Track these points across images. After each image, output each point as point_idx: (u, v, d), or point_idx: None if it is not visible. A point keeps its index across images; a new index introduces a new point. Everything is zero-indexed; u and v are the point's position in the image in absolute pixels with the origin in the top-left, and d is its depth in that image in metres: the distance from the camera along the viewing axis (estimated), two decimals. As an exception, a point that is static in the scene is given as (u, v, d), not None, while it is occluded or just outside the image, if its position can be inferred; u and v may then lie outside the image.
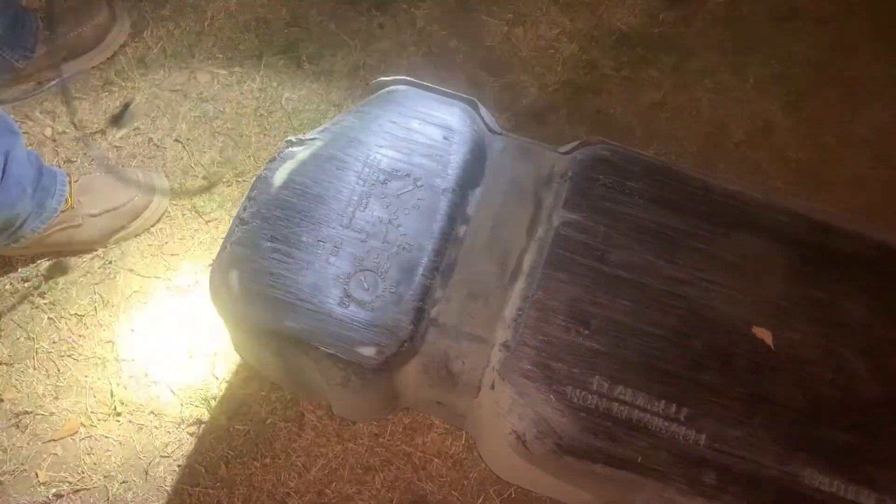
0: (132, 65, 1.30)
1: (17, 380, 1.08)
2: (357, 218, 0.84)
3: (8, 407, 1.06)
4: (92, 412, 1.06)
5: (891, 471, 0.74)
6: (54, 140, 1.24)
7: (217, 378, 1.08)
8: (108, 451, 1.04)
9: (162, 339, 1.11)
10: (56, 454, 1.04)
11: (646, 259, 0.82)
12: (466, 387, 0.81)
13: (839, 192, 1.24)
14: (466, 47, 1.35)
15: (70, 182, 1.10)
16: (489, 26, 1.37)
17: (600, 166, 0.87)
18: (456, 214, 0.85)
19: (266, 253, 0.81)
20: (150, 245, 1.17)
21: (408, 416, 1.06)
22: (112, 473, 1.03)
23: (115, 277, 1.14)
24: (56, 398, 1.07)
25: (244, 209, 0.84)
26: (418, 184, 0.86)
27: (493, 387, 0.79)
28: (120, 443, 1.05)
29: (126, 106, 1.01)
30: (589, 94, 1.31)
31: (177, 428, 1.05)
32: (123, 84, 1.28)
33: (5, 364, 1.09)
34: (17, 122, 1.23)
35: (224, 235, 0.85)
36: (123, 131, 1.10)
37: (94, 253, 1.15)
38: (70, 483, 1.03)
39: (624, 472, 0.74)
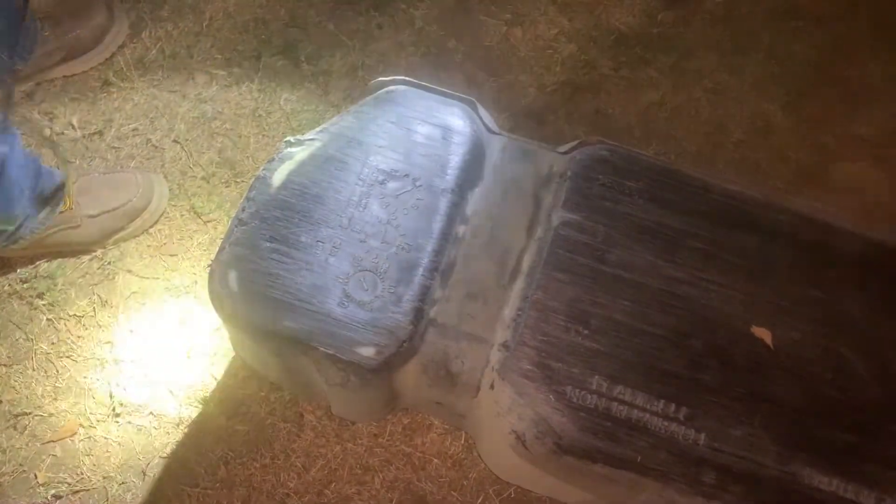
0: (130, 66, 1.30)
1: (15, 381, 1.08)
2: (356, 218, 0.84)
3: (7, 408, 1.06)
4: (91, 413, 1.06)
5: (890, 470, 0.74)
6: (53, 141, 1.24)
7: (216, 379, 1.08)
8: (107, 452, 1.04)
9: (161, 340, 1.10)
10: (55, 455, 1.04)
11: (645, 259, 0.82)
12: (466, 387, 0.81)
13: (838, 191, 1.24)
14: (465, 47, 1.35)
15: (68, 183, 1.10)
16: (488, 26, 1.37)
17: (599, 166, 0.87)
18: (455, 214, 0.85)
19: (265, 253, 0.81)
20: (148, 246, 1.17)
21: (407, 417, 1.06)
22: (111, 474, 1.03)
23: (113, 278, 1.14)
24: (55, 399, 1.07)
25: (243, 210, 0.84)
26: (417, 184, 0.86)
27: (492, 387, 0.79)
28: (119, 444, 1.05)
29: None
30: (588, 94, 1.31)
31: (176, 429, 1.05)
32: (122, 85, 1.28)
33: (4, 365, 1.09)
34: (15, 123, 1.23)
35: (223, 236, 0.85)
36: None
37: (93, 254, 1.15)
38: (69, 484, 1.02)
39: (623, 472, 0.74)
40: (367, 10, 1.37)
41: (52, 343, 1.10)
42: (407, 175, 0.86)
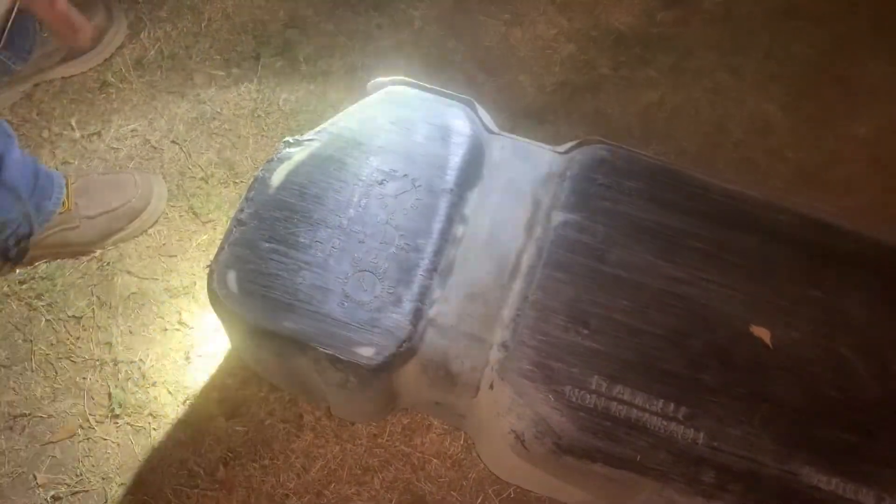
0: (129, 67, 1.30)
1: (14, 382, 1.08)
2: (355, 218, 0.84)
3: (5, 409, 1.06)
4: (90, 414, 1.06)
5: (890, 469, 0.74)
6: (51, 142, 1.23)
7: (215, 380, 1.08)
8: (106, 453, 1.04)
9: (160, 341, 1.10)
10: (54, 456, 1.04)
11: (644, 259, 0.82)
12: (465, 387, 0.81)
13: (838, 191, 1.24)
14: (464, 47, 1.35)
15: (67, 184, 1.10)
16: (487, 26, 1.37)
17: (598, 166, 0.87)
18: (454, 215, 0.85)
19: (264, 254, 0.81)
20: (147, 247, 1.17)
21: (406, 417, 1.06)
22: (110, 475, 1.03)
23: (112, 279, 1.14)
24: (54, 400, 1.07)
25: (242, 210, 0.84)
26: (416, 184, 0.86)
27: (491, 387, 0.79)
28: (118, 445, 1.04)
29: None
30: (587, 94, 1.31)
31: (175, 430, 1.05)
32: (120, 86, 1.28)
33: (3, 366, 1.08)
34: (13, 124, 1.23)
35: (222, 236, 0.85)
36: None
37: (92, 255, 1.15)
38: (68, 485, 1.02)
39: (623, 472, 0.74)
40: (366, 10, 1.37)
41: (51, 344, 1.10)
42: (406, 175, 0.86)
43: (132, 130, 1.25)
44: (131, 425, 1.06)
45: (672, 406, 0.75)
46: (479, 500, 1.02)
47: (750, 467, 0.73)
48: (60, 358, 1.09)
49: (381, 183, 0.86)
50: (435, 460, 1.04)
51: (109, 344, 1.10)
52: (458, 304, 0.82)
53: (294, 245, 0.82)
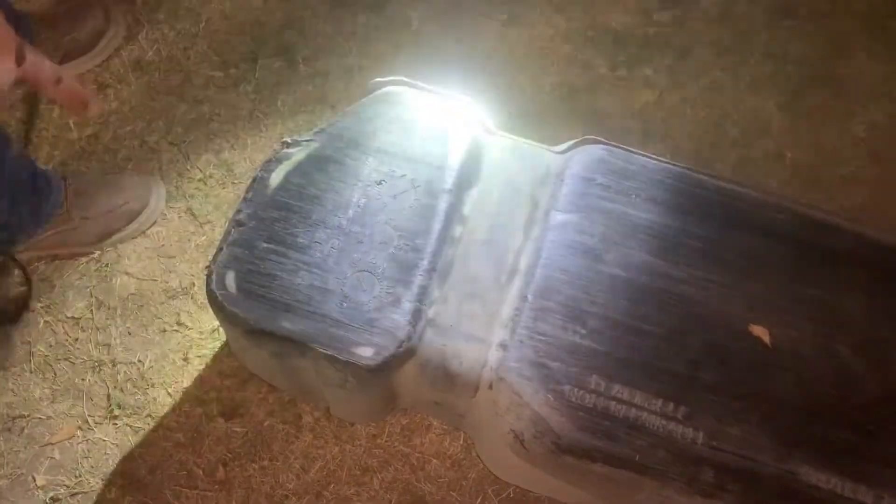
0: (127, 68, 1.30)
1: (13, 383, 1.08)
2: (354, 219, 0.84)
3: (4, 411, 1.06)
4: (89, 415, 1.06)
5: (888, 468, 0.74)
6: (49, 143, 1.23)
7: (214, 380, 1.08)
8: (105, 454, 1.04)
9: (158, 342, 1.10)
10: (53, 458, 1.04)
11: (643, 258, 0.82)
12: (464, 387, 0.81)
13: (835, 190, 1.25)
14: (462, 48, 1.35)
15: (65, 185, 1.10)
16: (484, 27, 1.37)
17: (596, 166, 0.87)
18: (453, 215, 0.85)
19: (263, 254, 0.81)
20: (146, 248, 1.17)
21: (406, 417, 1.06)
22: (110, 477, 1.03)
23: (111, 280, 1.14)
24: (53, 402, 1.07)
25: (240, 211, 0.84)
26: (415, 184, 0.86)
27: (490, 387, 0.79)
28: (117, 446, 1.04)
29: (24, 301, 1.02)
30: (584, 94, 1.31)
31: (174, 431, 1.05)
32: (119, 87, 1.28)
33: (1, 368, 1.08)
34: (10, 125, 1.23)
35: (220, 237, 0.85)
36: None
37: (90, 256, 1.15)
38: (67, 487, 1.02)
39: (622, 471, 0.74)
40: (363, 11, 1.37)
41: (50, 345, 1.10)
42: (404, 175, 0.86)
43: (130, 132, 1.25)
44: (130, 426, 1.06)
45: (671, 405, 0.75)
46: (479, 500, 1.02)
47: (749, 466, 0.73)
48: (59, 359, 1.09)
49: (379, 183, 0.86)
50: (434, 460, 1.04)
51: (108, 345, 1.10)
52: (457, 304, 0.82)
53: (293, 246, 0.82)
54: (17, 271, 1.02)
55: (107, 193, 1.13)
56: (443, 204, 0.85)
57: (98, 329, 1.11)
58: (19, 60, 0.57)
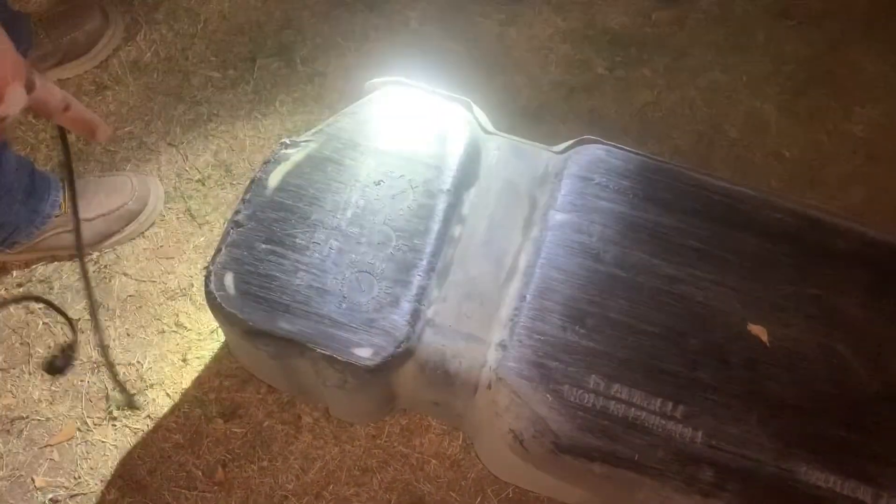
0: (126, 68, 1.30)
1: (12, 385, 1.07)
2: (352, 219, 0.84)
3: (3, 412, 1.06)
4: (88, 417, 1.06)
5: (887, 466, 0.74)
6: (47, 145, 1.23)
7: (213, 381, 1.08)
8: (104, 455, 1.04)
9: (157, 343, 1.10)
10: (52, 459, 1.04)
11: (641, 257, 0.82)
12: (463, 387, 0.81)
13: (833, 189, 1.25)
14: (460, 48, 1.35)
15: (63, 187, 1.09)
16: (483, 27, 1.37)
17: (595, 165, 0.87)
18: (451, 215, 0.85)
19: (261, 255, 0.81)
20: (144, 249, 1.17)
21: (405, 418, 1.06)
22: (109, 478, 1.03)
23: (109, 281, 1.14)
24: (52, 403, 1.07)
25: (239, 212, 0.84)
26: (413, 185, 0.86)
27: (489, 386, 0.79)
28: (116, 447, 1.04)
29: (65, 352, 0.96)
30: (583, 94, 1.31)
31: (173, 432, 1.05)
32: (117, 88, 1.28)
33: (1, 370, 1.08)
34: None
35: (219, 238, 0.85)
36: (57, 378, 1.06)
37: (89, 257, 1.15)
38: (66, 488, 1.02)
39: (621, 471, 0.74)
40: (362, 11, 1.37)
41: (49, 347, 1.10)
42: (403, 176, 0.86)
43: (129, 132, 1.25)
44: (129, 427, 1.05)
45: (670, 405, 0.75)
46: (478, 501, 1.03)
47: (748, 465, 0.73)
48: (58, 361, 1.09)
49: (378, 184, 0.86)
50: (434, 461, 1.04)
51: (107, 346, 1.10)
52: (456, 304, 0.82)
53: (291, 246, 0.82)
54: (60, 319, 0.97)
55: (105, 195, 1.13)
56: (441, 204, 0.85)
57: (97, 330, 1.11)
58: (29, 88, 0.57)
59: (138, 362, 1.09)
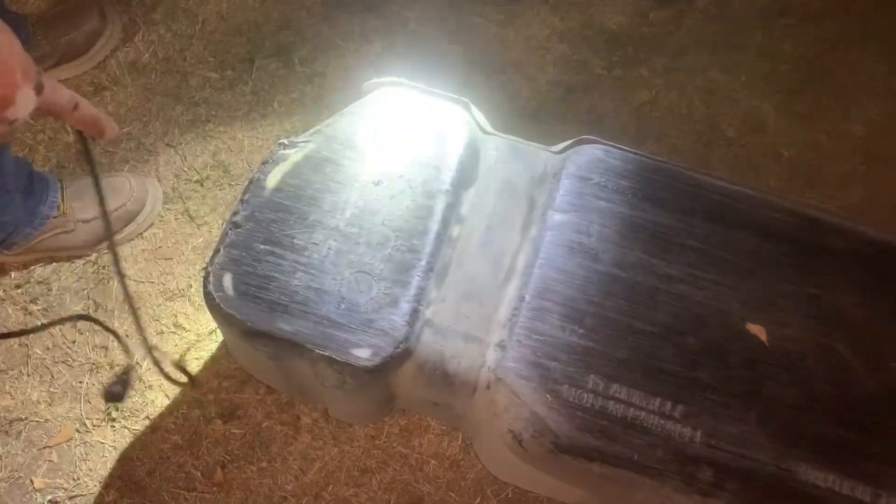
0: (124, 69, 1.30)
1: (11, 386, 1.07)
2: (351, 220, 0.84)
3: (2, 414, 1.06)
4: (87, 418, 1.06)
5: (886, 465, 0.74)
6: (45, 146, 1.23)
7: (212, 382, 1.08)
8: (103, 456, 1.04)
9: (156, 344, 1.10)
10: (51, 461, 1.04)
11: (640, 257, 0.82)
12: (462, 387, 0.81)
13: (831, 188, 1.25)
14: (458, 48, 1.35)
15: (62, 188, 1.09)
16: (481, 27, 1.37)
17: (593, 165, 0.87)
18: (450, 215, 0.85)
19: (260, 256, 0.81)
20: (143, 250, 1.17)
21: (404, 418, 1.06)
22: (108, 479, 1.03)
23: (108, 283, 1.14)
24: (50, 404, 1.07)
25: (237, 212, 0.84)
26: (412, 185, 0.86)
27: (488, 387, 0.79)
28: (115, 448, 1.04)
29: (124, 382, 0.93)
30: (581, 94, 1.31)
31: (172, 433, 1.05)
32: (115, 89, 1.28)
33: (-1, 371, 1.08)
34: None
35: (217, 239, 0.85)
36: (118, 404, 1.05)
37: (87, 258, 1.15)
38: (65, 490, 1.02)
39: (620, 471, 0.74)
40: (360, 11, 1.37)
41: (47, 348, 1.10)
42: (401, 176, 0.86)
43: (127, 133, 1.25)
44: (128, 429, 1.05)
45: (669, 404, 0.75)
46: (478, 501, 1.03)
47: (747, 465, 0.73)
48: (57, 362, 1.09)
49: (376, 184, 0.86)
50: (433, 461, 1.04)
51: (105, 348, 1.10)
52: (455, 305, 0.82)
53: (290, 247, 0.82)
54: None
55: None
56: (440, 204, 0.85)
57: (95, 331, 1.11)
58: (38, 89, 0.56)
59: (137, 363, 1.09)
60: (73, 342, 1.10)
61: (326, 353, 0.77)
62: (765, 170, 1.26)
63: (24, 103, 0.55)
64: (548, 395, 0.75)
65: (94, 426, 1.05)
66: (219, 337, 1.10)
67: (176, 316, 1.12)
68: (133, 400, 1.06)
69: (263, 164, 0.87)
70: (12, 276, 1.14)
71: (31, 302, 1.12)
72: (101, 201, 0.83)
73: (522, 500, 1.03)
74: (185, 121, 1.26)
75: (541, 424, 0.75)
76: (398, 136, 0.89)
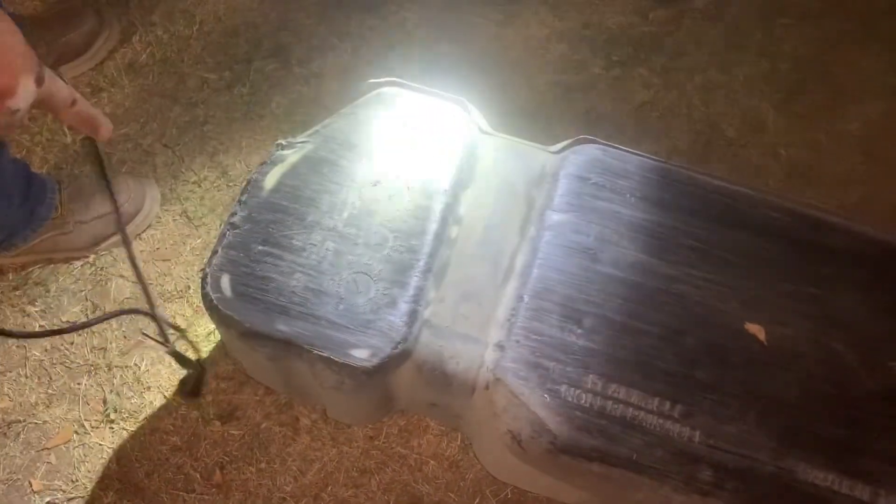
0: (121, 70, 1.30)
1: (9, 388, 1.07)
2: (349, 220, 0.84)
3: (0, 416, 1.06)
4: (85, 420, 1.06)
5: (885, 464, 0.74)
6: (43, 147, 1.23)
7: (211, 383, 1.08)
8: (101, 458, 1.04)
9: (154, 346, 1.10)
10: (50, 463, 1.04)
11: (638, 257, 0.82)
12: (461, 388, 0.81)
13: (830, 188, 1.25)
14: (456, 48, 1.35)
15: (59, 189, 1.09)
16: (479, 27, 1.37)
17: (592, 165, 0.87)
18: (448, 215, 0.85)
19: (258, 257, 0.81)
20: (141, 251, 1.17)
21: (403, 419, 1.06)
22: (106, 481, 1.02)
23: (106, 284, 1.14)
24: (48, 406, 1.06)
25: (235, 213, 0.84)
26: (410, 185, 0.85)
27: (487, 387, 0.79)
28: (114, 450, 1.04)
29: (198, 379, 0.90)
30: (579, 94, 1.31)
31: (171, 434, 1.05)
32: (112, 90, 1.28)
33: (-3, 373, 1.08)
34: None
35: (215, 240, 0.85)
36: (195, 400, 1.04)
37: (85, 260, 1.15)
38: (64, 491, 1.02)
39: (619, 471, 0.74)
40: (358, 12, 1.37)
41: (45, 350, 1.10)
42: (399, 176, 0.86)
43: (124, 135, 1.25)
44: (127, 430, 1.05)
45: (668, 404, 0.75)
46: (477, 501, 1.02)
47: (746, 464, 0.73)
48: (55, 364, 1.09)
49: (374, 184, 0.86)
50: (432, 461, 1.04)
51: (104, 349, 1.10)
52: (453, 305, 0.82)
53: (288, 248, 0.82)
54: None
55: (101, 197, 1.13)
56: (438, 205, 0.85)
57: (93, 333, 1.11)
58: (39, 81, 0.56)
59: (135, 365, 1.09)
60: (72, 343, 1.10)
61: (325, 354, 0.77)
62: (764, 170, 1.26)
63: (26, 94, 0.56)
64: (546, 395, 0.75)
65: (92, 428, 1.05)
66: (217, 338, 1.10)
67: (174, 317, 1.12)
68: (131, 401, 1.06)
69: (261, 164, 0.87)
70: (10, 277, 1.13)
71: (29, 304, 1.12)
72: (112, 196, 0.83)
73: (521, 500, 1.02)
74: (183, 122, 1.26)
75: (539, 424, 0.75)
76: (396, 137, 0.88)
